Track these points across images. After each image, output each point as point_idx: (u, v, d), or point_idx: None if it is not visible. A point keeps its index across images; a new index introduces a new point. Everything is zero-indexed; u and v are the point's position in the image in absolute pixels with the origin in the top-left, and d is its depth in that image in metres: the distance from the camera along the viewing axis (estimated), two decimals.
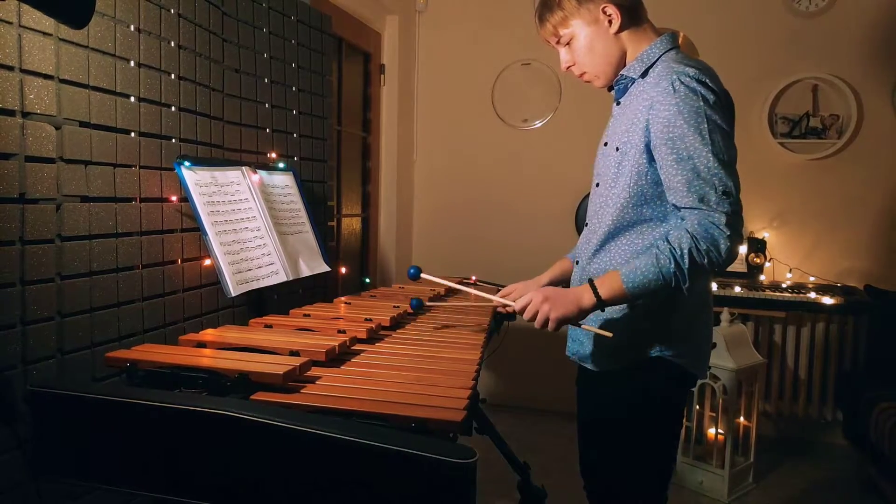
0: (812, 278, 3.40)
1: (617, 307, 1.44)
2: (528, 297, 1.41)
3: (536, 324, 1.40)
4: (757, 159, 3.46)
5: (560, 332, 1.46)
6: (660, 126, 1.36)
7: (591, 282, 1.38)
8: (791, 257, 3.47)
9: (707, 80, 1.35)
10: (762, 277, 3.39)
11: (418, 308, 1.81)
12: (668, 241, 1.32)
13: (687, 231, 1.31)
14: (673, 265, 1.30)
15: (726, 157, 1.33)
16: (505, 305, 1.60)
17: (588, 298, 1.37)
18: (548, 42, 1.56)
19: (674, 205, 1.38)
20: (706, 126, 1.32)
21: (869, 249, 3.40)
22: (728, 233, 1.30)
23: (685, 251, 1.29)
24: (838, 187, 3.42)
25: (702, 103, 1.33)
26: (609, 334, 1.40)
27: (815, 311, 3.20)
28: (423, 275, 1.70)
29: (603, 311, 1.41)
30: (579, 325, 1.43)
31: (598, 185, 1.55)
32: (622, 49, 1.49)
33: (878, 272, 3.36)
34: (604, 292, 1.36)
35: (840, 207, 3.43)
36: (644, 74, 1.46)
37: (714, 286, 3.17)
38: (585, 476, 1.66)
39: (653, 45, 1.46)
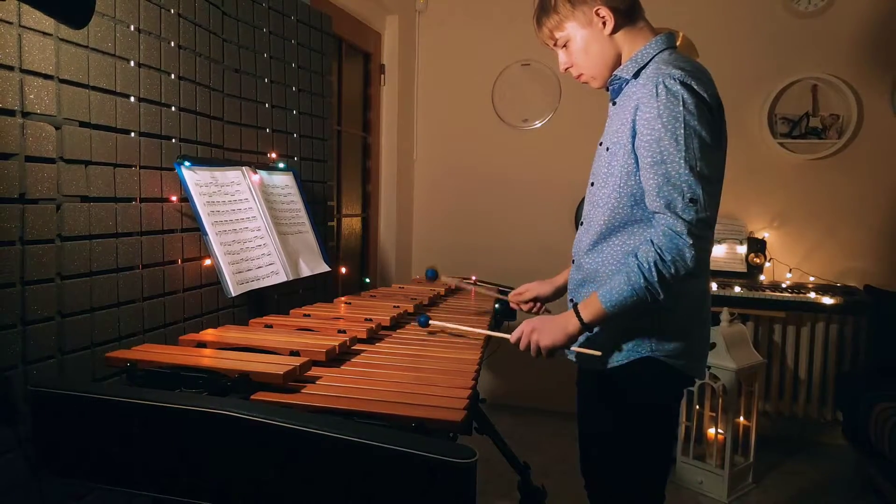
0: (812, 278, 3.40)
1: (633, 314, 1.44)
2: (520, 329, 1.49)
3: (532, 353, 1.47)
4: (757, 159, 3.46)
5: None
6: (641, 128, 1.37)
7: (575, 307, 1.43)
8: (791, 257, 3.47)
9: (692, 84, 1.34)
10: (762, 277, 3.39)
11: (433, 279, 1.78)
12: (636, 257, 1.35)
13: (653, 243, 1.33)
14: (643, 280, 1.33)
15: (699, 164, 1.33)
16: (501, 336, 1.64)
17: (573, 324, 1.42)
18: (546, 44, 1.57)
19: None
20: (683, 132, 1.32)
21: (869, 249, 3.40)
22: (691, 241, 1.31)
23: (651, 264, 1.32)
24: (838, 187, 3.42)
25: (682, 108, 1.32)
26: (598, 353, 1.46)
27: (815, 311, 3.20)
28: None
29: (591, 332, 1.44)
30: (569, 349, 1.48)
31: (592, 184, 1.57)
32: (617, 50, 1.49)
33: (878, 272, 3.36)
34: (586, 315, 1.40)
35: (840, 207, 3.43)
36: (637, 75, 1.46)
37: (714, 286, 3.17)
38: (586, 475, 1.66)
39: (647, 45, 1.47)
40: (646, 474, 1.54)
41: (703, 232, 1.33)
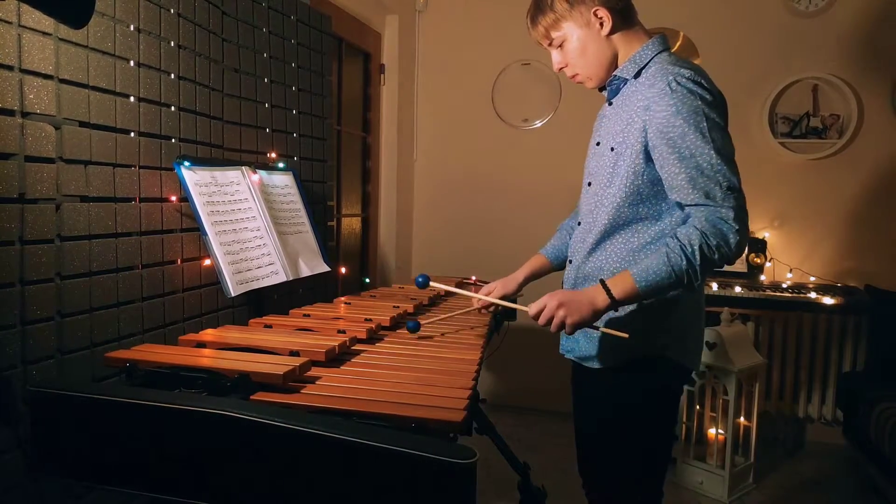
0: (812, 278, 3.39)
1: (658, 297, 1.42)
2: (542, 303, 1.39)
3: (553, 328, 1.38)
4: (757, 159, 3.46)
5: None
6: (658, 126, 1.37)
7: (602, 282, 1.37)
8: (791, 257, 3.47)
9: (702, 81, 1.37)
10: (762, 277, 3.38)
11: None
12: (677, 239, 1.32)
13: (696, 227, 1.31)
14: (685, 262, 1.30)
15: (727, 152, 1.35)
16: (519, 309, 1.54)
17: (602, 299, 1.36)
18: (540, 44, 1.56)
19: (678, 203, 1.39)
20: (706, 124, 1.33)
21: (869, 249, 3.40)
22: (737, 227, 1.31)
23: (696, 247, 1.30)
24: (839, 187, 3.42)
25: (700, 102, 1.34)
26: (625, 335, 1.39)
27: (816, 311, 3.20)
28: (432, 283, 1.67)
29: (616, 311, 1.41)
30: (595, 328, 1.42)
31: (590, 184, 1.57)
32: (614, 51, 1.50)
33: (878, 272, 3.36)
34: (617, 292, 1.35)
35: (840, 207, 3.43)
36: (637, 75, 1.47)
37: (714, 286, 3.17)
38: (584, 474, 1.66)
39: (645, 46, 1.48)
40: (646, 472, 1.54)
41: (744, 218, 1.33)
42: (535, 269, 1.83)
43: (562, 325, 1.37)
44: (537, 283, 1.88)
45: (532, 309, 1.40)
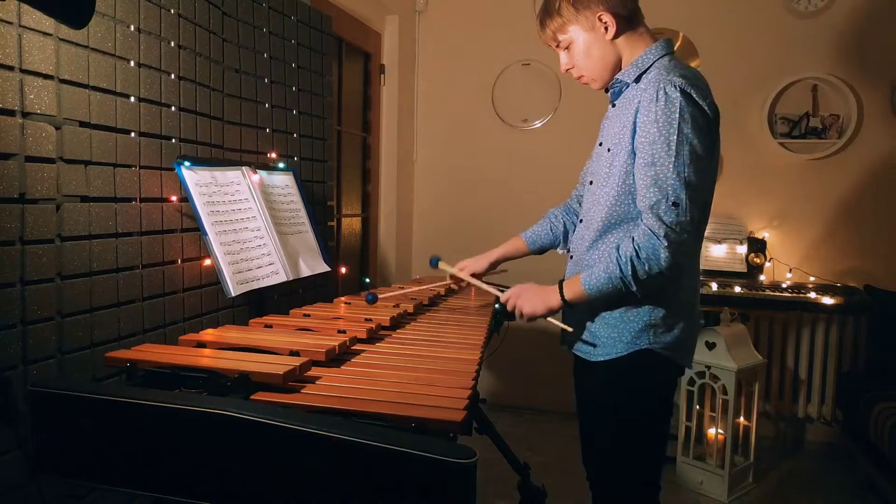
0: (812, 278, 3.39)
1: (612, 301, 1.52)
2: (510, 292, 1.62)
3: (516, 317, 1.60)
4: (757, 159, 3.45)
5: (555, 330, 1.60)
6: (640, 129, 1.43)
7: (560, 283, 1.53)
8: (791, 257, 3.47)
9: (692, 92, 1.39)
10: (762, 277, 3.38)
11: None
12: (617, 250, 1.44)
13: (633, 240, 1.42)
14: (618, 271, 1.42)
15: (687, 171, 1.38)
16: (496, 291, 1.74)
17: (555, 299, 1.53)
18: (548, 45, 1.63)
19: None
20: (676, 138, 1.38)
21: (869, 249, 3.40)
22: (666, 244, 1.38)
23: (628, 259, 1.41)
24: (838, 187, 3.42)
25: (678, 115, 1.38)
26: (570, 329, 1.59)
27: (815, 311, 3.20)
28: (441, 264, 1.91)
29: (570, 309, 1.56)
30: (546, 319, 1.59)
31: (591, 182, 1.62)
32: (618, 54, 1.54)
33: (878, 272, 3.36)
34: (568, 294, 1.52)
35: (840, 207, 3.43)
36: (638, 79, 1.51)
37: (714, 286, 3.17)
38: (587, 465, 1.70)
39: (647, 50, 1.52)
40: (644, 460, 1.58)
41: (680, 236, 1.39)
42: (509, 252, 1.97)
43: (520, 313, 1.58)
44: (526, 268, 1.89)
45: (503, 295, 1.63)
